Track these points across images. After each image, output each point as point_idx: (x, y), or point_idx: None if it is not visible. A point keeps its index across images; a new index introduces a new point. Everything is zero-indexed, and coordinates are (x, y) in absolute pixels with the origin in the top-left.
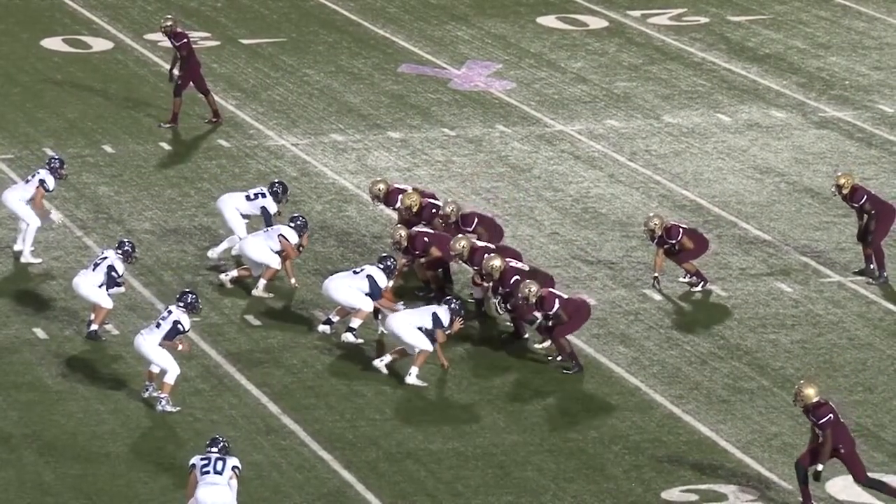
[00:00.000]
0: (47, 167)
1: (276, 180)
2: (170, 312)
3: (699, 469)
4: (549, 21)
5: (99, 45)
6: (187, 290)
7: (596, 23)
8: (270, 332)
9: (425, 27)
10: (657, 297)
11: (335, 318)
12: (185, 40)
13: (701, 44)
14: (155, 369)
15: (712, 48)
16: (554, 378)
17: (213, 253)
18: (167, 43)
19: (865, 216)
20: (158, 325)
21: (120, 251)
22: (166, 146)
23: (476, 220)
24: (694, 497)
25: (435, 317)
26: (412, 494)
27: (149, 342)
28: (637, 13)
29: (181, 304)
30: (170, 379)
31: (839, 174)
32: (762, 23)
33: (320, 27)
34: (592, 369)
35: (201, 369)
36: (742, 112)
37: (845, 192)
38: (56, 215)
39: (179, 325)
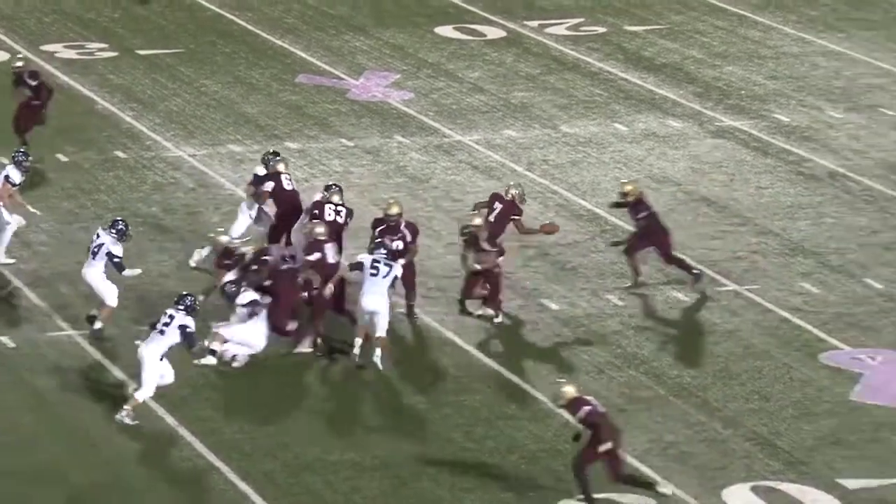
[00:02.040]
0: (11, 161)
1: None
2: (171, 318)
3: (596, 478)
4: (446, 31)
5: None
6: (186, 293)
7: (493, 33)
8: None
9: (323, 37)
10: (554, 306)
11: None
12: (40, 81)
13: (598, 54)
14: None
15: (609, 58)
16: (450, 388)
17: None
18: (63, 54)
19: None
20: (162, 332)
21: (113, 230)
22: (63, 157)
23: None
24: None
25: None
26: None
27: (151, 351)
28: (534, 23)
29: (181, 308)
30: (140, 396)
31: (625, 181)
32: (659, 32)
33: (217, 38)
34: (490, 379)
35: (100, 384)
36: (639, 122)
37: (630, 199)
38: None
39: (187, 329)
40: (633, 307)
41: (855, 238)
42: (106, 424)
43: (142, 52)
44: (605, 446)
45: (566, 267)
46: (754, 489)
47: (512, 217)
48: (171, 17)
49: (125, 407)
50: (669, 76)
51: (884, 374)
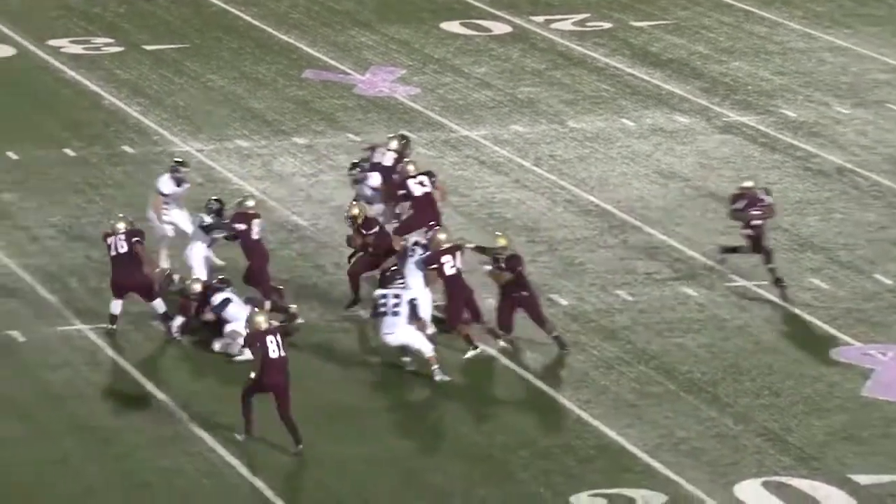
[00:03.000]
0: (169, 171)
1: None
2: (398, 297)
3: (607, 473)
4: (452, 27)
5: (1, 51)
6: (391, 267)
7: (499, 28)
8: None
9: (329, 33)
10: (563, 301)
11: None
12: None
13: (604, 49)
14: None
15: (616, 53)
16: (461, 383)
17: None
18: (69, 49)
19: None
20: (396, 314)
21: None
22: (71, 152)
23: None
24: (602, 501)
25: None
26: (321, 500)
27: (403, 333)
28: (540, 18)
29: (401, 284)
30: (430, 352)
31: (353, 203)
32: (665, 28)
33: (223, 33)
34: (500, 374)
35: (109, 376)
36: (646, 117)
37: (359, 222)
38: None
39: (415, 301)
40: (643, 303)
41: (864, 234)
42: (116, 419)
43: (148, 48)
44: None
45: (575, 262)
46: (765, 484)
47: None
48: (177, 13)
49: (434, 367)
50: (676, 71)
51: (895, 370)
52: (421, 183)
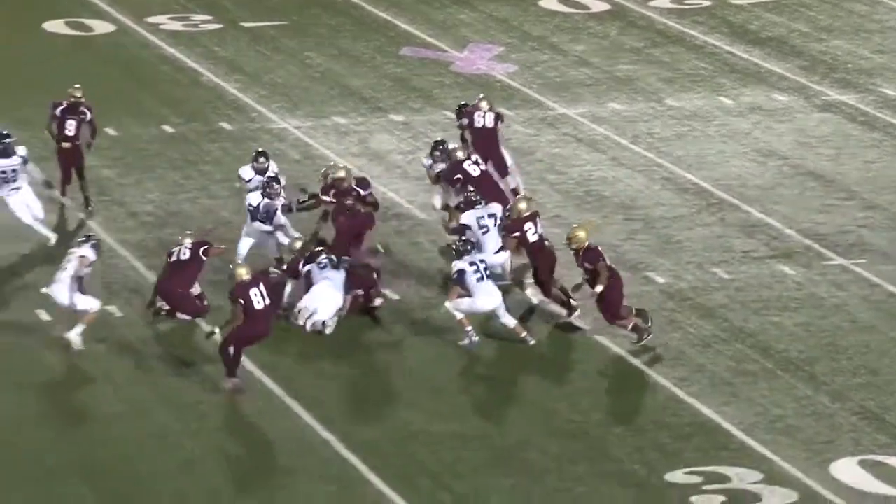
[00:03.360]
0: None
1: None
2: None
3: (703, 451)
4: (550, 4)
5: (101, 28)
6: (462, 240)
7: (597, 6)
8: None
9: (427, 10)
10: (660, 279)
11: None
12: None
13: (703, 27)
14: None
15: (714, 31)
16: (557, 360)
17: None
18: (168, 26)
19: None
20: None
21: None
22: (169, 129)
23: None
24: (697, 479)
25: None
26: (414, 475)
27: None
28: None
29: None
30: (511, 322)
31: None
32: (764, 6)
33: (322, 10)
34: (596, 351)
35: (207, 351)
36: (745, 95)
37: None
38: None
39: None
40: (740, 281)
41: None
42: (214, 394)
43: (246, 24)
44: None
45: (672, 240)
46: (862, 463)
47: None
48: None
49: (524, 336)
50: (775, 50)
51: None
52: (476, 163)
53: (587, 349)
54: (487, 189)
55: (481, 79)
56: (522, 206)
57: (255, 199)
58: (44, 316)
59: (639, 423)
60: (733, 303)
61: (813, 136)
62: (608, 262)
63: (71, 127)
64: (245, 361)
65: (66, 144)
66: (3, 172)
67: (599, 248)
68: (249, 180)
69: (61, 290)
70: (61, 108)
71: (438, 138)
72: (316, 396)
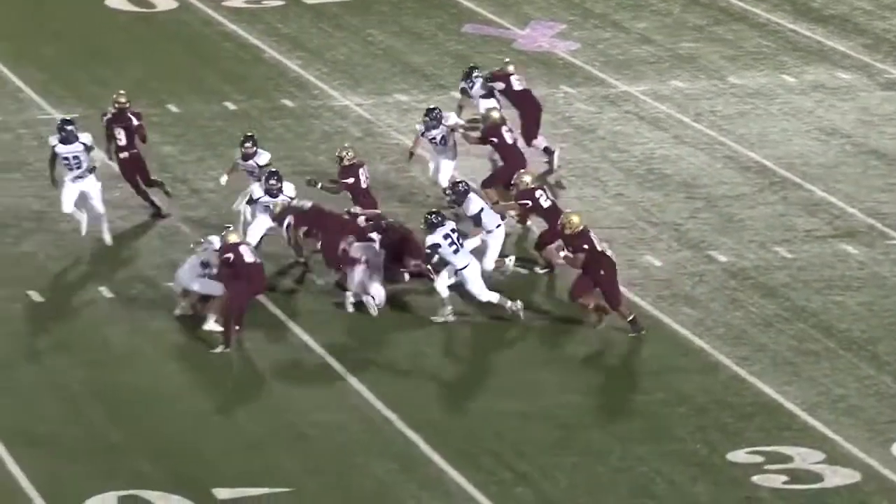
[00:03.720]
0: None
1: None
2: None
3: (765, 431)
4: None
5: (163, 4)
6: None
7: None
8: (335, 294)
9: None
10: (722, 258)
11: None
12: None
13: (766, 4)
14: None
15: (777, 9)
16: (617, 339)
17: None
18: (231, 2)
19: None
20: None
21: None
22: (231, 106)
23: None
24: (759, 459)
25: None
26: (477, 454)
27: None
28: None
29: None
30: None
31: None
32: None
33: None
34: (657, 331)
35: (268, 329)
36: (807, 73)
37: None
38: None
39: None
40: (802, 260)
41: None
42: (276, 373)
43: (308, 2)
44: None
45: (734, 219)
46: None
47: None
48: None
49: (510, 307)
50: (838, 27)
51: None
52: (510, 130)
53: (650, 329)
54: (515, 156)
55: (543, 56)
56: (527, 178)
57: (257, 191)
58: (106, 293)
59: (701, 402)
60: (795, 282)
61: (876, 114)
62: (601, 248)
63: (121, 136)
64: (310, 342)
65: (122, 155)
66: (66, 159)
67: (591, 234)
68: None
69: (189, 274)
70: (107, 118)
71: (432, 106)
72: (378, 375)
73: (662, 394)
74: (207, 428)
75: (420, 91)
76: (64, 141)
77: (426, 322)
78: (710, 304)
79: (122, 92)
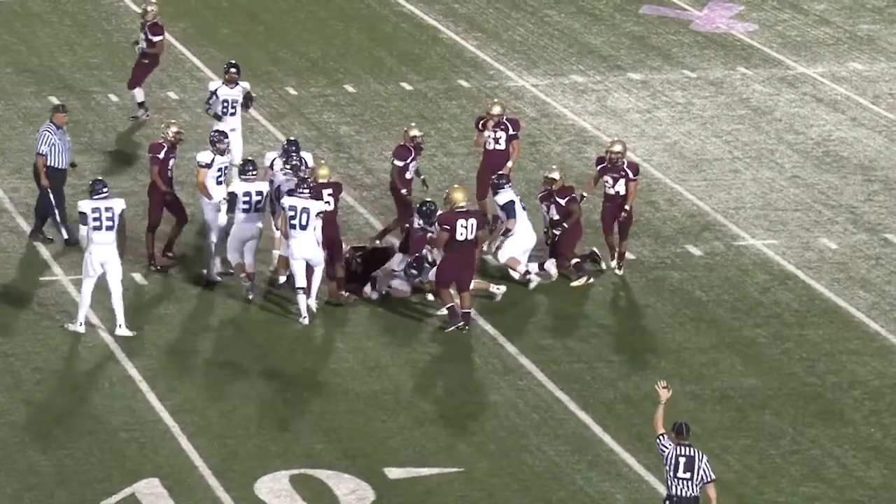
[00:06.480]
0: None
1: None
2: None
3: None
4: None
5: None
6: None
7: None
8: (506, 276)
9: None
10: None
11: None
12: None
13: None
14: None
15: None
16: (791, 322)
17: None
18: None
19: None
20: None
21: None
22: (407, 86)
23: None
24: None
25: None
26: (648, 436)
27: None
28: None
29: None
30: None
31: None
32: None
33: None
34: (832, 314)
35: (436, 311)
36: None
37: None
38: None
39: None
40: None
41: None
42: (446, 352)
43: None
44: None
45: None
46: None
47: None
48: None
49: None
50: None
51: None
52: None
53: (824, 312)
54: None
55: (721, 38)
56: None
57: (238, 186)
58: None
59: (875, 386)
60: None
61: None
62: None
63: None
64: (484, 324)
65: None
66: (226, 102)
67: (574, 193)
68: (208, 164)
69: (313, 245)
70: (164, 150)
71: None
72: (549, 356)
73: (836, 377)
74: (377, 406)
75: (596, 72)
76: (227, 82)
77: (595, 303)
78: (885, 287)
79: (172, 121)
